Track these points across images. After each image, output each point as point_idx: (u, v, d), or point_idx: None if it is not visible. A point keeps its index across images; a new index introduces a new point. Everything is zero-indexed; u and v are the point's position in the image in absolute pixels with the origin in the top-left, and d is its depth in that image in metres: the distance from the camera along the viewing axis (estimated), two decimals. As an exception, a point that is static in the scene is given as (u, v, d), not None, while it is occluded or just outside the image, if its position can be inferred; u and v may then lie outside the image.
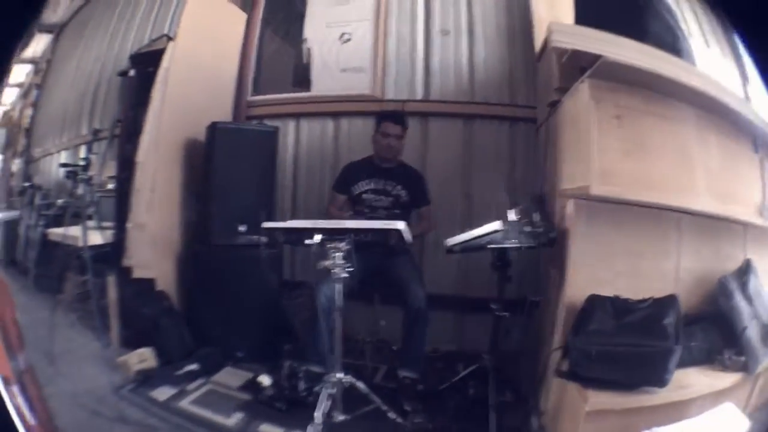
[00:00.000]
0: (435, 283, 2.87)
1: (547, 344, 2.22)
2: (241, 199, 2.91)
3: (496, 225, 2.19)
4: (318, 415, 2.11)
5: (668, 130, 2.08)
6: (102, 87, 3.50)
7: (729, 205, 2.12)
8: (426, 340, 2.60)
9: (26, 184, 3.87)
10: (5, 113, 4.04)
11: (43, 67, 4.15)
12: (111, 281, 2.94)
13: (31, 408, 1.68)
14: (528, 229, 2.22)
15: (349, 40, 3.24)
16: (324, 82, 3.24)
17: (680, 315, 1.90)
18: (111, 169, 3.16)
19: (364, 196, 2.82)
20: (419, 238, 2.83)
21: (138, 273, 2.87)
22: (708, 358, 1.98)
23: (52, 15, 4.08)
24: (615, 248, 2.08)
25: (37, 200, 3.67)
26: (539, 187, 2.73)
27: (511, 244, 2.22)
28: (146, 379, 2.56)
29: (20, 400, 1.62)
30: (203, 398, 2.50)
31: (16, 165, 4.13)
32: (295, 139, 3.32)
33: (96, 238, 2.96)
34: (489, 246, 2.25)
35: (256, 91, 3.41)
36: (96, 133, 3.19)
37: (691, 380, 1.88)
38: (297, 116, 3.31)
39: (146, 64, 3.04)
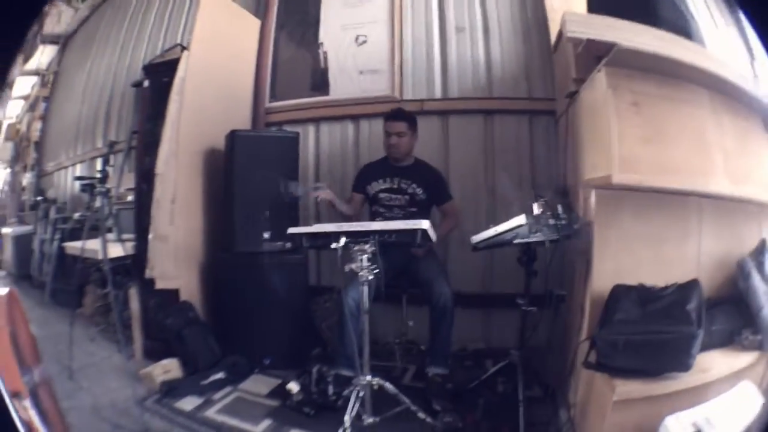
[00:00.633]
0: (461, 281, 2.87)
1: (574, 337, 2.22)
2: (264, 206, 2.89)
3: (520, 219, 2.18)
4: (347, 418, 2.11)
5: (684, 113, 2.06)
6: (115, 98, 3.50)
7: (745, 186, 2.11)
8: (452, 336, 2.59)
9: (39, 198, 3.86)
10: (10, 126, 4.03)
11: (50, 79, 4.15)
12: (133, 293, 2.94)
13: (45, 422, 1.67)
14: (552, 221, 2.21)
15: (365, 42, 3.23)
16: (342, 85, 3.24)
17: (702, 299, 1.90)
18: (129, 181, 3.16)
19: (381, 195, 2.81)
20: (446, 237, 2.82)
21: (161, 284, 2.86)
22: (728, 340, 1.97)
23: (56, 26, 4.07)
24: (638, 236, 2.07)
25: (52, 214, 3.67)
26: (561, 179, 2.72)
27: (535, 237, 2.21)
28: (171, 390, 2.54)
29: (32, 414, 1.62)
30: (230, 406, 2.48)
31: (27, 179, 4.13)
32: (316, 143, 3.33)
33: (116, 251, 2.94)
34: (514, 241, 2.24)
35: (274, 97, 3.40)
36: (112, 146, 3.18)
37: (711, 363, 1.86)
38: (316, 120, 3.32)
39: (161, 74, 3.02)
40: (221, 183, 3.03)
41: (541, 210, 2.23)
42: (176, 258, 2.92)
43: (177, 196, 2.90)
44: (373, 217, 2.84)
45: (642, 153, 2.00)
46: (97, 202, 3.05)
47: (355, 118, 3.24)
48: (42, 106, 4.15)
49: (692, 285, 1.91)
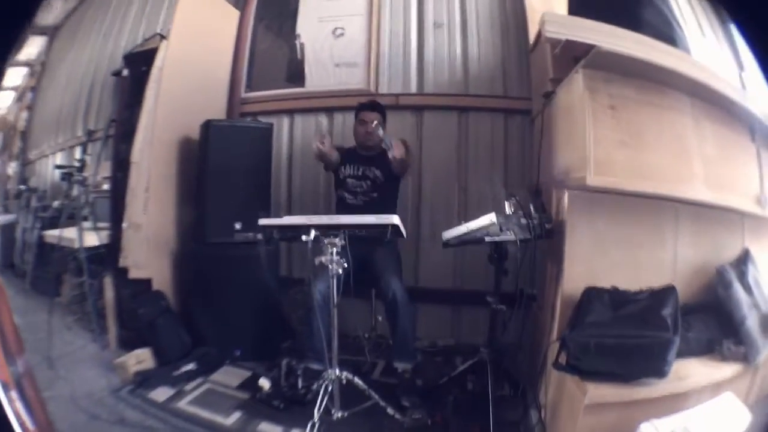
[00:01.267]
0: (431, 277, 2.86)
1: (545, 337, 2.20)
2: (236, 197, 2.89)
3: (490, 218, 2.17)
4: (316, 412, 2.09)
5: (664, 119, 2.05)
6: (96, 87, 3.50)
7: (726, 194, 2.09)
8: (413, 329, 2.58)
9: (22, 186, 3.86)
10: (0, 117, 4.04)
11: (38, 70, 4.16)
12: (108, 282, 2.93)
13: (30, 412, 1.66)
14: (524, 221, 2.19)
15: (342, 34, 3.23)
16: (318, 78, 3.24)
17: (678, 305, 1.89)
18: (106, 170, 3.16)
19: (348, 180, 2.82)
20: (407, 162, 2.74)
21: (134, 273, 2.86)
22: (707, 349, 1.95)
23: (46, 17, 4.08)
24: (612, 239, 2.06)
25: (34, 203, 3.67)
26: (535, 179, 2.72)
27: (507, 236, 2.19)
28: (144, 381, 2.54)
29: (19, 405, 1.60)
30: (202, 398, 2.48)
31: (12, 168, 4.13)
32: (290, 134, 3.32)
33: (92, 239, 2.95)
34: (485, 239, 2.23)
35: (250, 87, 3.41)
36: (90, 134, 3.18)
37: (690, 371, 1.85)
38: (291, 112, 3.31)
39: (140, 63, 3.03)
40: (195, 172, 3.02)
41: (513, 209, 2.22)
42: (149, 247, 2.91)
43: (150, 185, 2.89)
44: (337, 202, 2.86)
45: (618, 156, 1.99)
46: (75, 191, 3.06)
47: (329, 110, 3.24)
48: (29, 96, 4.16)
49: (668, 290, 1.91)
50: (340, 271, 2.15)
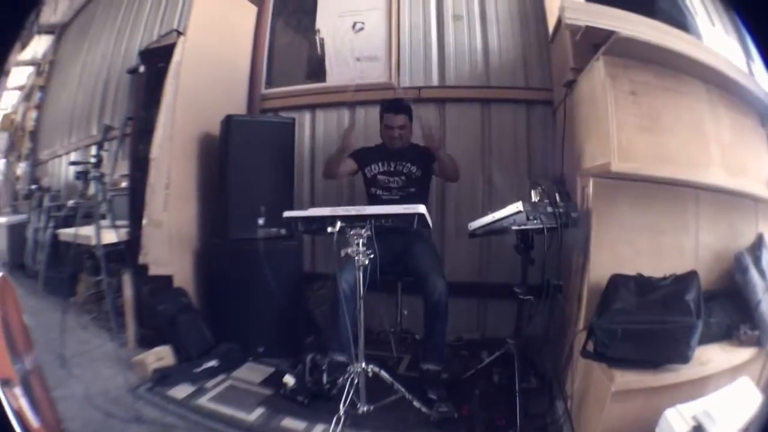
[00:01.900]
0: (457, 270, 2.85)
1: (571, 327, 2.20)
2: (259, 192, 2.86)
3: (518, 206, 2.16)
4: (342, 406, 2.07)
5: (682, 104, 2.05)
6: (111, 85, 3.48)
7: (741, 179, 2.11)
8: (446, 331, 2.53)
9: (33, 186, 3.84)
10: (5, 116, 4.01)
11: (46, 69, 4.13)
12: (126, 280, 2.91)
13: (36, 410, 1.64)
14: (549, 209, 2.19)
15: (362, 29, 3.23)
16: (339, 72, 3.23)
17: (701, 290, 1.89)
18: (123, 168, 3.14)
19: (379, 177, 2.79)
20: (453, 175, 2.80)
21: (155, 270, 2.84)
22: (727, 334, 1.96)
23: (52, 15, 4.05)
24: (636, 226, 2.06)
25: (46, 202, 3.64)
26: (559, 168, 2.72)
27: (533, 225, 2.19)
28: (163, 378, 2.50)
29: (23, 402, 1.58)
30: (223, 395, 2.45)
31: (21, 168, 4.10)
32: (312, 129, 3.31)
33: (110, 237, 2.91)
34: (511, 228, 2.22)
35: (270, 83, 3.39)
36: (107, 130, 3.14)
37: (711, 356, 1.85)
38: (312, 107, 3.30)
39: (156, 59, 3.00)
40: (216, 168, 3.00)
41: (539, 197, 2.22)
42: (170, 244, 2.89)
43: (171, 182, 2.87)
44: (370, 201, 2.82)
45: (640, 142, 1.99)
46: (91, 188, 3.03)
47: (351, 105, 3.23)
48: (38, 95, 4.13)
49: (690, 276, 1.90)
50: (366, 262, 2.11)
